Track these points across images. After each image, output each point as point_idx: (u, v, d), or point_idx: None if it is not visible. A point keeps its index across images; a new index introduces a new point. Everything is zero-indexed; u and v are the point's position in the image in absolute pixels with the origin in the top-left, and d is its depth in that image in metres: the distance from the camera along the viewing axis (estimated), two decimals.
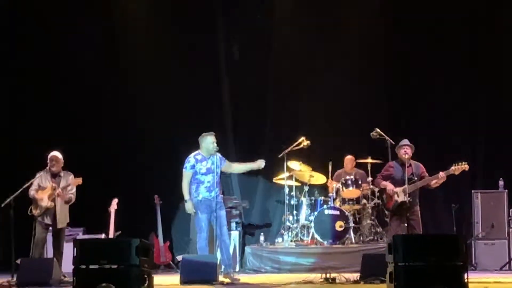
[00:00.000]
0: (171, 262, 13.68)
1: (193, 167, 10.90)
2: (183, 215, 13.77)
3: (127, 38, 15.29)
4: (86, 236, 13.07)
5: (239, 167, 11.61)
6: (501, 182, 13.27)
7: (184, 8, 15.12)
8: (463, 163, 11.34)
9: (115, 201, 12.55)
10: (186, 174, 10.95)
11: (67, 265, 10.46)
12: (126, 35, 15.33)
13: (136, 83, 14.92)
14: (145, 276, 8.52)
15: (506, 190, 13.17)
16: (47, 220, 11.26)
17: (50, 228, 11.40)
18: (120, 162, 14.53)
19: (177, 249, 14.24)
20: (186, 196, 10.91)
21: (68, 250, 10.66)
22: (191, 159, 10.94)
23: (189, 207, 10.91)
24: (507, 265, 12.73)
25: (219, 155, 11.07)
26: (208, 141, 10.93)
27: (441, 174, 11.41)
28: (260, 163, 11.27)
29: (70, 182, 11.38)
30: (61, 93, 14.87)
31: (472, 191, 13.40)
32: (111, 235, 12.27)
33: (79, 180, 11.45)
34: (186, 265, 10.48)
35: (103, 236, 12.59)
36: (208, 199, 10.80)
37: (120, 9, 15.35)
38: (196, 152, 10.99)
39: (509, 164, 13.84)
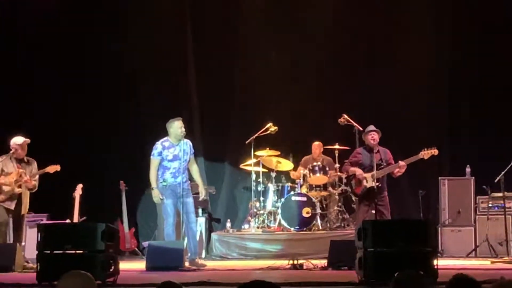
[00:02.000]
0: (136, 249, 13.55)
1: (160, 153, 10.83)
2: (149, 201, 13.62)
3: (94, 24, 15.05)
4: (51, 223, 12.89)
5: (194, 173, 11.28)
6: (468, 169, 13.30)
7: None
8: (432, 147, 11.33)
9: (79, 187, 12.39)
10: (153, 161, 10.88)
11: (30, 251, 10.32)
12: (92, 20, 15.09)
13: (102, 69, 14.68)
14: (111, 261, 8.39)
15: (473, 177, 13.20)
16: (10, 206, 11.06)
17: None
18: (85, 147, 14.32)
19: (143, 235, 14.12)
20: (154, 183, 10.84)
21: (32, 236, 10.52)
22: (158, 145, 10.86)
23: (155, 195, 10.83)
24: (473, 252, 12.75)
25: (190, 143, 10.98)
26: (176, 126, 10.84)
27: (401, 162, 11.39)
28: (203, 193, 11.22)
29: (34, 171, 11.25)
30: (25, 76, 14.60)
31: (439, 177, 13.42)
32: (75, 221, 12.11)
33: (57, 167, 11.40)
34: (152, 251, 10.42)
35: (68, 222, 12.42)
36: (173, 185, 10.74)
37: None
38: (164, 138, 10.91)
39: (475, 151, 13.87)
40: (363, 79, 14.71)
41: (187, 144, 10.96)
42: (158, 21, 14.79)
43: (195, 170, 11.24)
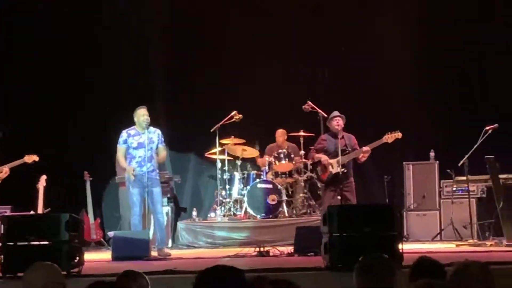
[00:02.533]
0: (102, 239, 13.49)
1: (125, 141, 10.81)
2: (114, 192, 13.63)
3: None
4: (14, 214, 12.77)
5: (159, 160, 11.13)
6: (432, 154, 13.40)
7: None
8: (396, 131, 11.38)
9: (43, 178, 12.31)
10: (120, 148, 10.91)
11: None
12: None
13: (67, 59, 14.55)
14: (76, 252, 8.32)
15: (437, 162, 13.30)
16: None
17: None
18: (49, 137, 14.18)
19: (108, 226, 14.03)
20: (124, 164, 10.80)
21: None
22: (123, 133, 10.86)
23: (129, 170, 10.69)
24: (438, 236, 12.85)
25: (159, 132, 10.91)
26: (139, 113, 10.81)
27: (365, 148, 11.44)
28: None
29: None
30: None
31: (404, 162, 13.51)
32: (40, 213, 12.01)
33: (35, 157, 11.44)
34: (118, 241, 10.39)
35: (31, 213, 12.32)
36: (139, 174, 10.66)
37: None
38: (131, 127, 10.89)
39: (439, 136, 13.96)
40: (328, 65, 14.74)
41: (155, 133, 10.90)
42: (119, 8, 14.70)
43: (161, 158, 11.09)
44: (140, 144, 10.74)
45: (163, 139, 11.04)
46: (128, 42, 14.71)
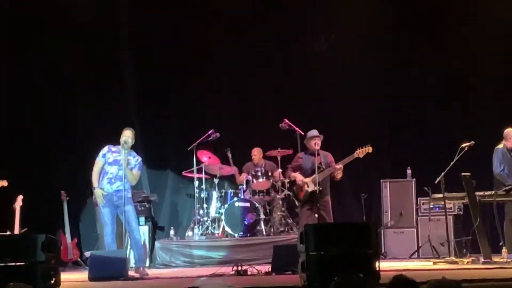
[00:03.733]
0: (79, 259, 13.39)
1: (104, 155, 10.80)
2: (91, 211, 13.56)
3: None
4: None
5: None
6: (408, 171, 13.45)
7: None
8: (367, 146, 11.40)
9: (20, 198, 12.23)
10: (97, 162, 10.85)
11: None
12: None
13: (41, 79, 14.50)
14: (52, 272, 8.26)
15: (414, 179, 13.37)
16: None
17: None
18: (25, 157, 14.11)
19: (86, 245, 13.92)
20: (95, 183, 10.76)
21: None
22: (105, 148, 10.88)
23: (97, 194, 10.69)
24: (416, 253, 12.89)
25: (139, 159, 10.89)
26: (122, 134, 10.77)
27: (337, 165, 11.42)
28: None
29: None
30: None
31: (381, 180, 13.56)
32: (16, 233, 11.93)
33: (4, 182, 11.36)
34: (94, 261, 10.30)
35: (8, 234, 12.23)
36: (110, 193, 10.64)
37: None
38: (115, 145, 10.82)
39: (415, 153, 14.03)
40: (303, 81, 14.78)
41: (135, 157, 10.86)
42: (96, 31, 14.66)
43: (130, 177, 10.83)
44: (116, 161, 10.70)
45: (140, 165, 10.97)
46: (102, 62, 14.65)
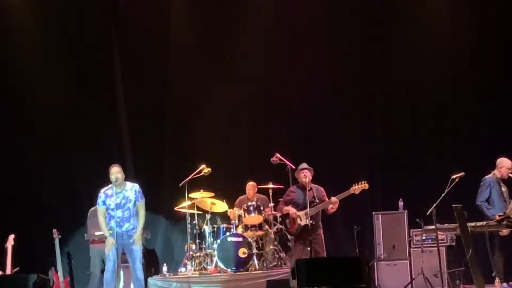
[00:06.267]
0: None
1: (104, 202, 10.73)
2: (84, 250, 13.47)
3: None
4: None
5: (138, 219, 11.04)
6: (400, 203, 13.44)
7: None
8: (363, 182, 11.41)
9: (11, 237, 12.22)
10: (99, 210, 10.80)
11: None
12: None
13: (33, 113, 14.54)
14: None
15: (406, 211, 13.35)
16: None
17: None
18: (16, 196, 14.09)
19: (78, 283, 13.87)
20: (105, 232, 10.71)
21: None
22: (101, 194, 10.77)
23: (108, 243, 10.62)
24: (409, 285, 12.85)
25: (136, 188, 10.85)
26: (110, 172, 10.72)
27: (333, 198, 11.46)
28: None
29: None
30: None
31: (373, 212, 13.54)
32: (8, 273, 11.89)
33: None
34: None
35: None
36: (119, 233, 10.60)
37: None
38: (108, 186, 10.77)
39: (407, 185, 14.04)
40: (294, 117, 14.83)
41: (131, 190, 10.82)
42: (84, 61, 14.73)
43: (140, 216, 10.96)
44: (117, 205, 10.64)
45: (141, 194, 10.93)
46: (92, 97, 14.70)
